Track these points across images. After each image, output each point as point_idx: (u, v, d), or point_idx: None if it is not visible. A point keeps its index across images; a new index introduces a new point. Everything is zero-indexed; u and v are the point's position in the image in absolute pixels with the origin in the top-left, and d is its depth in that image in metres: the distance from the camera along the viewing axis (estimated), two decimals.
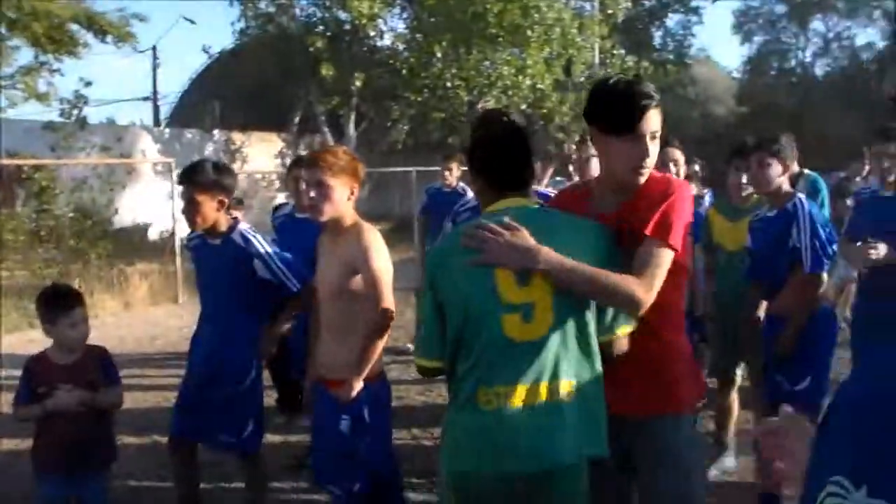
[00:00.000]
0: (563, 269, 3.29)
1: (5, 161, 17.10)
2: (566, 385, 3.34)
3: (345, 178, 4.61)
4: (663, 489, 3.70)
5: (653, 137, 3.43)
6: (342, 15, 28.60)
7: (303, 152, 31.81)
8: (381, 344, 4.52)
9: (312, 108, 30.24)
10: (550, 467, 3.32)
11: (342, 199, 4.61)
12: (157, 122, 36.57)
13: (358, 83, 28.37)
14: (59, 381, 4.80)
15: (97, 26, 21.08)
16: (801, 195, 5.84)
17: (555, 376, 3.33)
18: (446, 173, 10.64)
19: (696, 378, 4.01)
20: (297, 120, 33.53)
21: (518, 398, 3.30)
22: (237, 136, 30.98)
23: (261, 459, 5.82)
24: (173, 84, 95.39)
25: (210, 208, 5.36)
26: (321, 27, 29.23)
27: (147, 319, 14.17)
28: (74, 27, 20.93)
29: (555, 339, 3.34)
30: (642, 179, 3.48)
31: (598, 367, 3.44)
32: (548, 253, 3.28)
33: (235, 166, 27.87)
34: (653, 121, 3.42)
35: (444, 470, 3.52)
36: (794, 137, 5.99)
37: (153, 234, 20.89)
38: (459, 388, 3.42)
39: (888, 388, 1.55)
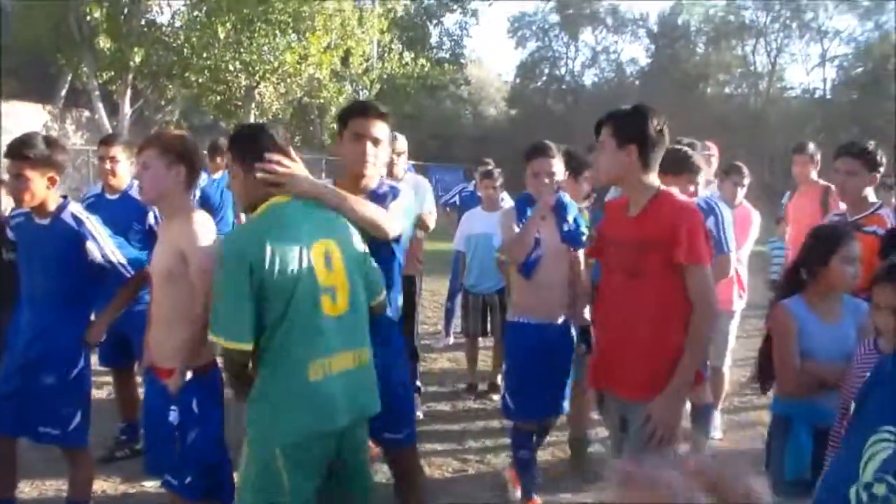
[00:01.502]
0: None
1: None
2: (363, 351, 4.04)
3: (168, 160, 4.45)
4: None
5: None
6: None
7: (70, 126, 30.67)
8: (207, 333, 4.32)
9: (84, 80, 29.00)
10: (359, 421, 4.05)
11: (163, 180, 4.44)
12: None
13: (137, 58, 27.41)
14: None
15: None
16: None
17: (356, 344, 3.99)
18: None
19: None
20: (63, 92, 32.23)
21: (336, 365, 3.85)
22: None
23: (88, 454, 5.49)
24: None
25: (40, 185, 5.03)
26: None
27: None
28: None
29: (352, 314, 3.97)
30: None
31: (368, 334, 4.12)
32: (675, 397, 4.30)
33: None
34: None
35: (273, 445, 3.74)
36: (566, 143, 6.27)
37: None
38: (281, 365, 3.78)
39: None
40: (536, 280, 5.76)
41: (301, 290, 3.75)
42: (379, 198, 4.45)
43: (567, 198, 5.96)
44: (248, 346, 3.76)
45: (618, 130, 4.37)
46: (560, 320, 5.80)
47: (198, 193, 11.09)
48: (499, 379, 9.17)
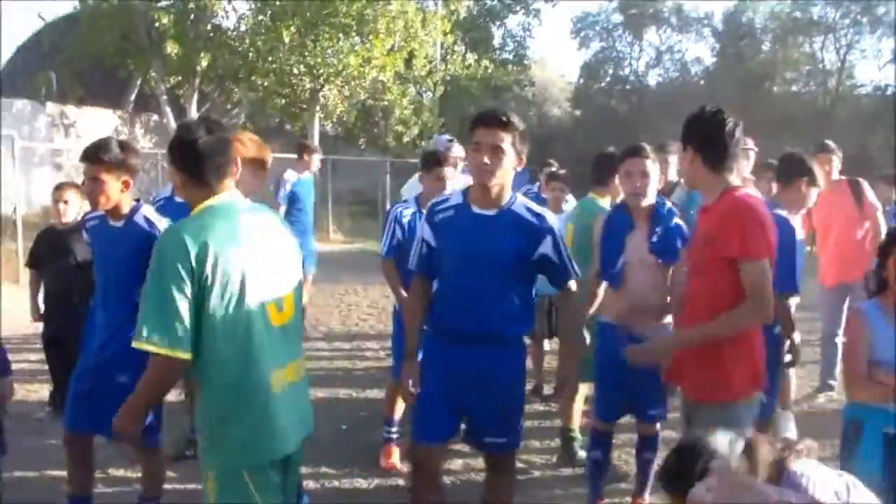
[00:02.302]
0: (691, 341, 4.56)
1: None
2: (301, 363, 4.09)
3: (251, 166, 4.76)
4: None
5: None
6: None
7: (139, 130, 31.08)
8: None
9: (153, 85, 29.37)
10: (306, 436, 4.07)
11: (248, 184, 4.68)
12: None
13: (204, 63, 27.74)
14: None
15: None
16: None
17: (298, 355, 4.06)
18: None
19: (753, 370, 4.47)
20: (133, 97, 32.65)
21: (288, 377, 3.86)
22: (71, 110, 29.89)
23: (160, 452, 5.67)
24: None
25: (115, 188, 5.19)
26: (166, 2, 28.48)
27: None
28: None
29: (294, 324, 4.00)
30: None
31: None
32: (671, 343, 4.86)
33: (70, 142, 26.96)
34: None
35: (241, 468, 3.61)
36: (627, 143, 6.14)
37: None
38: (239, 375, 3.65)
39: None
40: (624, 288, 5.75)
41: (252, 297, 3.68)
42: None
43: (667, 206, 5.86)
44: (188, 354, 3.56)
45: (685, 134, 4.51)
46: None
47: (288, 188, 11.41)
48: None
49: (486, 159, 4.46)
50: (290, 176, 11.53)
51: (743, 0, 52.55)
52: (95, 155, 5.19)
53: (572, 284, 4.93)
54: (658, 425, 6.00)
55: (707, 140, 4.35)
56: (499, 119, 4.52)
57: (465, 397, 4.73)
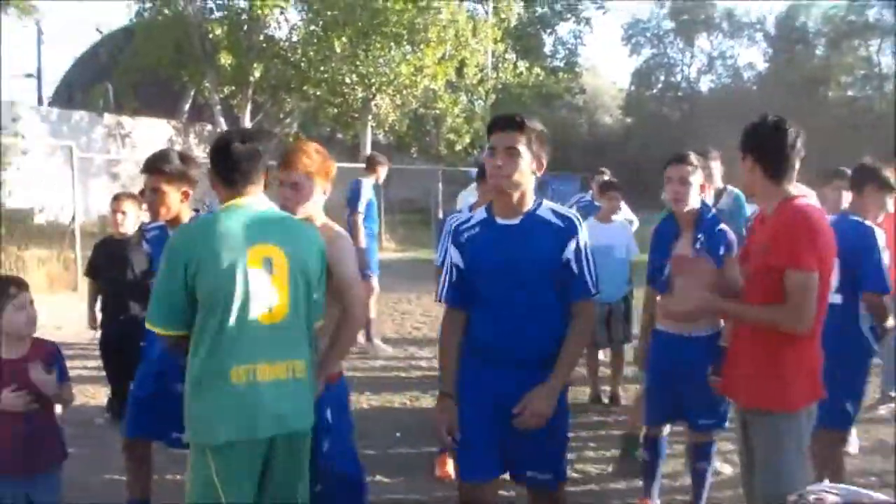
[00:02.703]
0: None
1: None
2: (298, 363, 4.02)
3: (318, 179, 4.60)
4: (755, 482, 4.45)
5: None
6: (241, 3, 28.22)
7: (193, 140, 31.39)
8: (347, 347, 4.46)
9: (206, 95, 29.70)
10: (288, 434, 4.00)
11: (316, 199, 4.60)
12: (39, 101, 35.60)
13: (257, 73, 28.01)
14: (12, 376, 4.58)
15: None
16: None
17: (291, 355, 3.99)
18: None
19: (811, 380, 4.38)
20: (187, 107, 33.01)
21: (264, 374, 3.89)
22: (127, 121, 30.29)
23: None
24: (54, 61, 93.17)
25: (175, 199, 5.24)
26: (219, 14, 28.80)
27: (46, 308, 13.88)
28: None
29: (290, 324, 4.00)
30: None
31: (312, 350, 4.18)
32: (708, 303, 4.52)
33: (125, 152, 27.28)
34: None
35: (205, 446, 3.88)
36: (679, 150, 6.10)
37: (40, 219, 20.21)
38: (207, 366, 3.86)
39: None
40: (671, 294, 5.74)
41: (228, 294, 3.82)
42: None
43: (711, 213, 5.84)
44: (183, 332, 3.97)
45: (744, 142, 4.45)
46: (699, 333, 5.61)
47: (367, 197, 11.60)
48: (620, 390, 9.19)
49: (499, 162, 4.22)
50: (367, 185, 11.65)
51: (796, 3, 51.98)
52: (156, 166, 5.25)
53: (587, 305, 4.40)
54: (713, 435, 5.97)
55: (768, 150, 4.31)
56: (512, 120, 4.28)
57: (505, 427, 4.29)
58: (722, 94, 54.41)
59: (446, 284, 4.57)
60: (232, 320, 3.83)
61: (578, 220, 4.38)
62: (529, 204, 4.37)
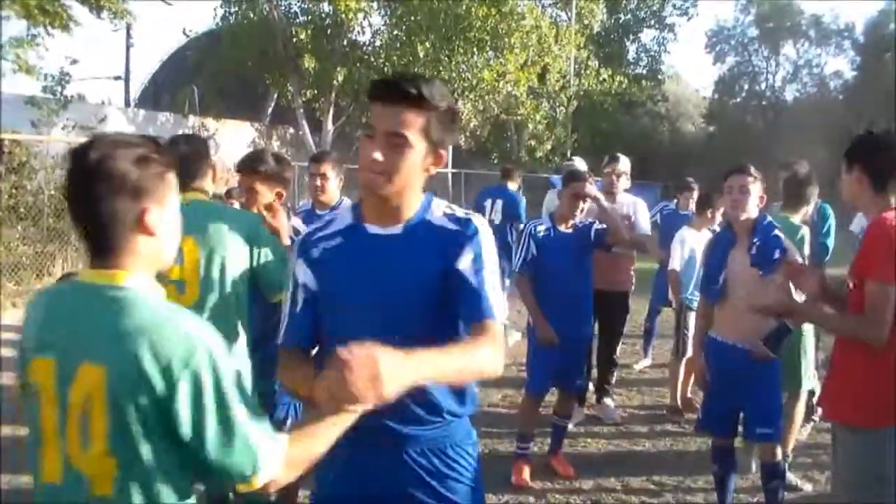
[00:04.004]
0: None
1: None
2: None
3: None
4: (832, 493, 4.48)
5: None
6: (325, 7, 28.44)
7: (275, 143, 31.69)
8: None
9: (289, 98, 29.99)
10: None
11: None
12: (127, 103, 36.18)
13: (340, 77, 28.23)
14: None
15: (94, 1, 20.62)
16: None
17: None
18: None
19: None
20: (270, 110, 33.34)
21: None
22: (211, 123, 30.69)
23: None
24: (140, 64, 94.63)
25: (268, 199, 5.28)
26: (304, 18, 29.07)
27: None
28: (68, 1, 20.40)
29: (200, 306, 4.22)
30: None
31: None
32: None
33: None
34: None
35: None
36: (766, 161, 6.12)
37: None
38: None
39: None
40: (728, 303, 5.73)
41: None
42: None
43: (767, 220, 5.83)
44: None
45: (851, 152, 4.37)
46: (752, 343, 5.58)
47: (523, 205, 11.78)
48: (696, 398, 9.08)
49: (377, 154, 2.85)
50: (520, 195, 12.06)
51: (887, 9, 51.02)
52: (251, 166, 5.32)
53: (490, 325, 2.93)
54: (778, 451, 5.90)
55: (878, 162, 4.28)
56: (402, 90, 2.85)
57: None
58: (807, 103, 53.74)
59: (286, 317, 3.23)
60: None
61: (481, 223, 3.08)
62: (415, 206, 3.06)
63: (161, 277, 2.72)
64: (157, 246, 2.44)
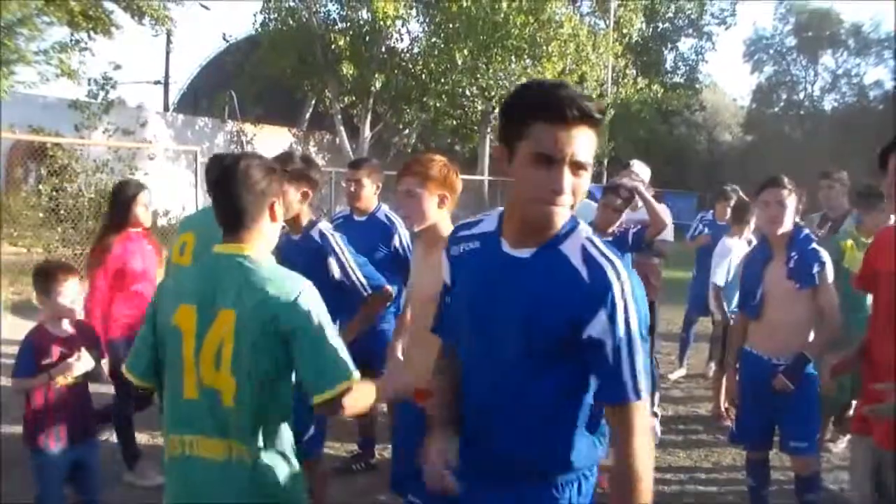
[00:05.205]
0: None
1: (28, 136, 16.89)
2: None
3: (433, 186, 4.51)
4: None
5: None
6: (364, 14, 28.56)
7: (313, 148, 31.85)
8: None
9: (327, 104, 30.15)
10: None
11: (433, 208, 4.52)
12: (166, 107, 36.45)
13: (378, 84, 28.34)
14: (60, 352, 5.11)
15: (135, 6, 20.92)
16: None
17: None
18: None
19: None
20: (307, 116, 33.52)
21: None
22: (248, 128, 30.91)
23: (322, 464, 5.78)
24: (179, 68, 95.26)
25: (294, 199, 5.35)
26: (342, 25, 29.21)
27: None
28: (110, 6, 20.73)
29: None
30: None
31: None
32: None
33: None
34: None
35: None
36: (804, 171, 6.05)
37: (163, 221, 20.66)
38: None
39: None
40: (764, 318, 5.70)
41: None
42: None
43: (804, 233, 5.81)
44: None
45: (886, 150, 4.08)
46: (787, 359, 5.53)
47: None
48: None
49: (566, 185, 2.66)
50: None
51: None
52: (278, 165, 5.41)
53: (632, 409, 2.70)
54: (814, 464, 5.87)
55: None
56: (588, 114, 2.62)
57: None
58: (846, 113, 53.24)
59: (439, 313, 3.44)
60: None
61: (617, 275, 2.74)
62: (557, 230, 2.82)
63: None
64: (276, 228, 3.48)
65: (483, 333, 2.90)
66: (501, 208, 3.00)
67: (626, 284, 2.72)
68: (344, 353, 3.23)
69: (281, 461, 3.33)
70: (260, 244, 3.36)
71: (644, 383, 2.70)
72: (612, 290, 2.67)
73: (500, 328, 2.83)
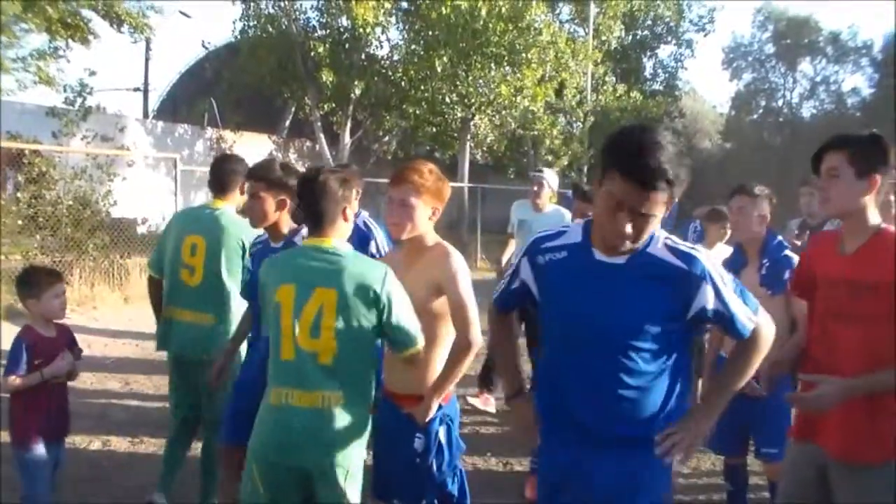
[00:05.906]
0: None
1: (6, 143, 16.75)
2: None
3: (428, 198, 4.50)
4: None
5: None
6: (343, 21, 28.56)
7: (292, 155, 31.82)
8: (465, 367, 4.40)
9: (307, 112, 30.14)
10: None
11: (424, 219, 4.49)
12: (145, 114, 36.38)
13: (357, 91, 28.35)
14: (47, 353, 5.29)
15: (114, 14, 20.87)
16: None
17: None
18: None
19: None
20: (287, 123, 33.50)
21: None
22: (228, 135, 30.86)
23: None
24: (159, 76, 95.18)
25: (271, 206, 5.39)
26: (322, 32, 29.21)
27: (148, 315, 14.18)
28: (88, 14, 20.68)
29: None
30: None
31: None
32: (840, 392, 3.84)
33: None
34: None
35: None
36: (783, 178, 6.04)
37: (142, 229, 20.59)
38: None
39: None
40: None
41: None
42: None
43: (777, 239, 5.82)
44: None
45: (858, 158, 4.00)
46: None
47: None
48: None
49: (629, 229, 3.25)
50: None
51: None
52: (256, 173, 5.49)
53: (755, 334, 3.60)
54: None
55: (888, 168, 3.96)
56: (665, 178, 3.17)
57: None
58: (825, 120, 53.35)
59: (502, 287, 3.96)
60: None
61: (705, 257, 3.41)
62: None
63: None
64: (348, 226, 4.36)
65: (588, 328, 3.40)
66: (583, 220, 3.59)
67: (711, 259, 3.41)
68: (416, 320, 4.23)
69: (363, 408, 4.21)
70: (338, 237, 4.25)
71: (752, 309, 3.51)
72: (706, 267, 3.34)
73: (603, 323, 3.37)
